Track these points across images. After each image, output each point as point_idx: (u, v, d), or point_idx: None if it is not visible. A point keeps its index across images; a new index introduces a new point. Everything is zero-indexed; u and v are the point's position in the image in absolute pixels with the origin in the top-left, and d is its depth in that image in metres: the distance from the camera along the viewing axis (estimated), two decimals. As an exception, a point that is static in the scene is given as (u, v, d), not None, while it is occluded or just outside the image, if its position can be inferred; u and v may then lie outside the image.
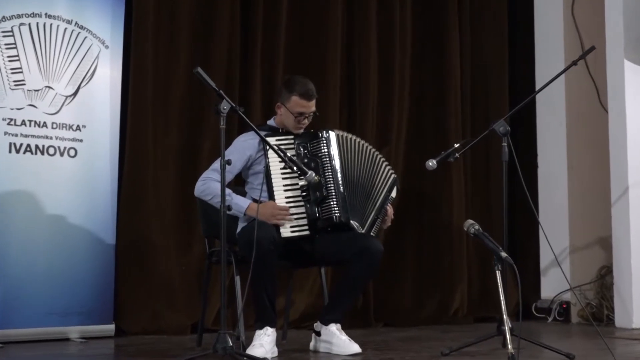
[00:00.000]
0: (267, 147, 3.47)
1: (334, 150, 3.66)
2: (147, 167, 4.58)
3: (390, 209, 3.73)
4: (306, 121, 3.64)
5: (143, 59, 4.57)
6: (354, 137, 3.75)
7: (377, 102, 5.36)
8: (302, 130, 3.69)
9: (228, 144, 3.60)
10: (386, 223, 3.74)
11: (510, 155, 3.61)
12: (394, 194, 3.74)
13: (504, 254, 3.07)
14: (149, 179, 4.59)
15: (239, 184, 3.93)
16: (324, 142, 3.65)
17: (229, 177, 3.58)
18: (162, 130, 4.68)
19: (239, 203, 3.51)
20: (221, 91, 3.12)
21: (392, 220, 3.79)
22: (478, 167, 5.73)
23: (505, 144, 3.60)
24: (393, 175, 3.74)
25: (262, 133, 3.46)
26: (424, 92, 5.60)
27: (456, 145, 3.76)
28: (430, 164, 3.71)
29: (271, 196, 3.55)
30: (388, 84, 5.41)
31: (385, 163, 3.76)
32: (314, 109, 3.62)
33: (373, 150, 3.76)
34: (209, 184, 3.52)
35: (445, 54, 5.59)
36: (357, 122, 5.26)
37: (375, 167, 3.72)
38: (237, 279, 3.52)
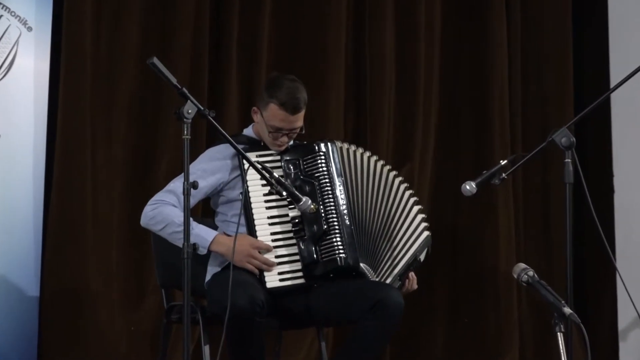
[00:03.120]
0: (247, 166, 3.49)
1: (337, 168, 3.67)
2: (84, 189, 4.58)
3: (412, 278, 3.75)
4: (285, 139, 3.65)
5: (79, 46, 4.59)
6: (365, 153, 3.78)
7: (395, 105, 5.39)
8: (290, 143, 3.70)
9: (194, 159, 3.60)
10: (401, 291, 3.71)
11: (576, 176, 3.62)
12: (423, 256, 3.75)
13: (568, 310, 3.07)
14: (87, 205, 4.58)
15: (205, 214, 3.96)
16: (322, 157, 3.66)
17: (191, 202, 3.46)
18: (105, 139, 4.69)
19: (201, 234, 3.51)
20: (184, 89, 3.13)
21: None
22: (532, 192, 5.70)
23: (570, 160, 3.61)
24: (426, 233, 3.74)
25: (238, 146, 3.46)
26: (459, 91, 5.60)
27: (503, 163, 3.77)
28: (468, 187, 3.72)
29: (251, 232, 3.56)
30: (410, 80, 5.41)
31: (417, 207, 3.76)
32: (299, 124, 3.63)
33: (395, 175, 3.78)
34: (161, 209, 3.52)
35: (487, 39, 5.58)
36: (367, 131, 5.30)
37: (397, 205, 3.74)
38: (206, 348, 3.53)
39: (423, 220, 3.74)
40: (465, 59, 5.62)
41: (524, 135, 5.66)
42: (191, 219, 3.41)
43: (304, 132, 3.66)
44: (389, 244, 3.69)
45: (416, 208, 3.75)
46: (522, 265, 3.27)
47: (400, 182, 3.77)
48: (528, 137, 5.64)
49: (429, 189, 5.39)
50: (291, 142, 3.72)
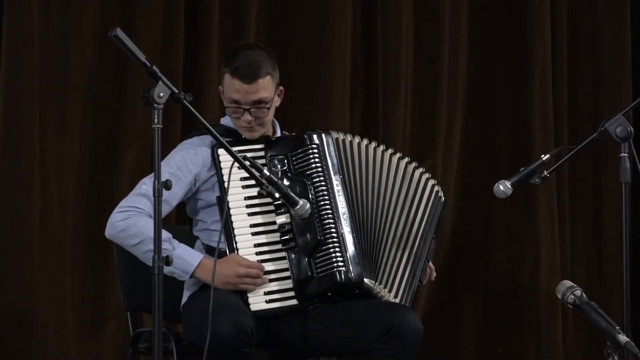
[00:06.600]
0: (222, 160, 3.53)
1: (333, 164, 3.67)
2: (31, 191, 4.60)
3: (431, 269, 3.83)
4: (248, 117, 3.60)
5: (25, 17, 4.61)
6: (367, 143, 3.75)
7: (413, 88, 5.41)
8: (260, 133, 3.65)
9: (166, 152, 3.60)
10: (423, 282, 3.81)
11: (634, 173, 3.64)
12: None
13: (623, 338, 3.06)
14: (34, 210, 4.60)
15: (180, 220, 4.08)
16: (315, 150, 3.64)
17: (166, 209, 3.51)
18: (57, 129, 4.70)
19: (184, 257, 3.50)
20: (155, 67, 3.08)
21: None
22: (581, 194, 5.75)
23: (626, 154, 3.63)
24: (441, 197, 3.80)
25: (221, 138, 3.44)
26: (491, 71, 5.63)
27: (544, 158, 3.81)
28: (502, 188, 3.77)
29: (230, 244, 3.55)
30: (431, 58, 5.44)
31: (432, 182, 3.77)
32: (259, 96, 3.61)
33: (415, 167, 3.78)
34: (135, 220, 3.49)
35: (526, 7, 5.60)
36: (379, 120, 5.33)
37: (417, 203, 3.75)
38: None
39: (436, 188, 3.77)
40: (499, 32, 5.66)
41: (570, 125, 5.68)
42: (170, 235, 3.49)
43: (269, 107, 3.63)
44: (404, 252, 3.69)
45: (430, 183, 3.77)
46: (568, 283, 3.25)
47: (421, 174, 3.76)
48: (576, 127, 5.68)
49: (455, 189, 5.41)
50: (279, 133, 3.73)
